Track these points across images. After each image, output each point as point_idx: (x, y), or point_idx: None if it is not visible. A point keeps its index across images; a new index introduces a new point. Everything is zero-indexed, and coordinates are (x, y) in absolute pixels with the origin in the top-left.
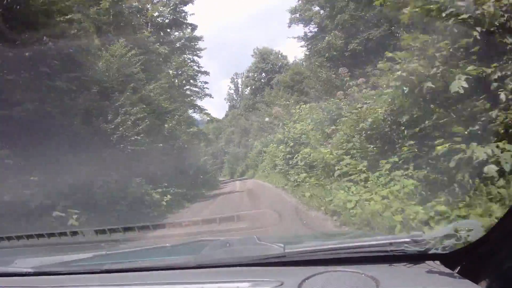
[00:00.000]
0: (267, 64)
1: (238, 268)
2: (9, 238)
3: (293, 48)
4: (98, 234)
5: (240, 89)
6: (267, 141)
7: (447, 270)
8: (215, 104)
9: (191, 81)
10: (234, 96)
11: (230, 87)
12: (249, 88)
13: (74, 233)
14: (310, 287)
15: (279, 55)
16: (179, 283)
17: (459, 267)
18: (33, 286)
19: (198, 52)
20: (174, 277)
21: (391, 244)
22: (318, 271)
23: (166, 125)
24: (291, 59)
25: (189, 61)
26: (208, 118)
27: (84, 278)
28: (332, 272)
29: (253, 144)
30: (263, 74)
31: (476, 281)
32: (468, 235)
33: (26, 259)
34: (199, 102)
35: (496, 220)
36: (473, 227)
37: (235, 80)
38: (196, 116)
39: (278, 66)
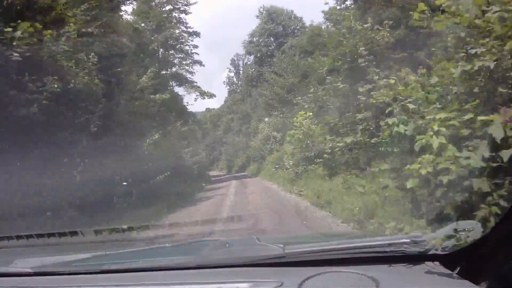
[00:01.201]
0: (277, 26)
1: (238, 268)
2: (9, 238)
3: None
4: (98, 234)
5: (241, 72)
6: (288, 117)
7: (447, 271)
8: (215, 98)
9: (178, 45)
10: (235, 79)
11: (230, 69)
12: (253, 56)
13: (74, 233)
14: None
15: (292, 16)
16: (179, 284)
17: (458, 268)
18: (33, 286)
19: (186, 7)
20: (174, 277)
21: (390, 244)
22: (318, 271)
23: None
24: (307, 22)
25: (174, 20)
26: (198, 94)
27: (84, 278)
28: (332, 273)
29: (258, 128)
30: (272, 38)
31: (475, 281)
32: (467, 236)
33: (26, 259)
34: (193, 86)
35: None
36: (473, 227)
37: (236, 62)
38: (183, 92)
39: (291, 28)
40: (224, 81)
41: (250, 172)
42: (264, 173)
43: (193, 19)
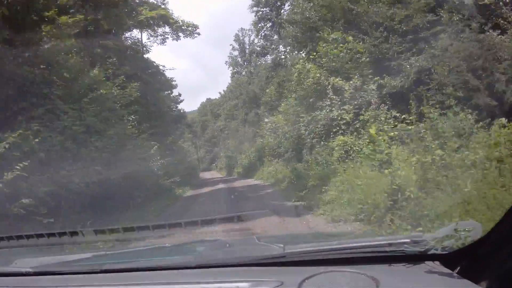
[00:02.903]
0: None
1: (238, 268)
2: (9, 238)
3: None
4: (98, 234)
5: (247, 50)
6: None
7: (447, 271)
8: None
9: None
10: (239, 59)
11: (233, 46)
12: None
13: (74, 233)
14: (310, 287)
15: None
16: (179, 283)
17: (458, 268)
18: (33, 286)
19: None
20: (174, 277)
21: (390, 244)
22: (318, 271)
23: None
24: None
25: None
26: (169, 29)
27: (84, 278)
28: (332, 273)
29: (293, 72)
30: None
31: (475, 281)
32: (467, 236)
33: (26, 259)
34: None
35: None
36: (473, 227)
37: (241, 38)
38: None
39: None
40: (226, 61)
41: (269, 180)
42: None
43: (198, 15)
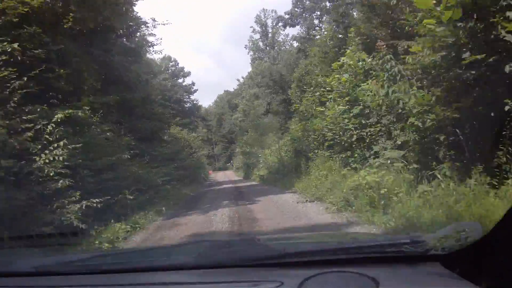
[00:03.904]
0: None
1: (238, 268)
2: (9, 238)
3: None
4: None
5: (269, 32)
6: None
7: (447, 272)
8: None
9: None
10: (261, 43)
11: (254, 29)
12: None
13: (74, 234)
14: None
15: None
16: (179, 284)
17: (459, 268)
18: (33, 286)
19: None
20: (174, 278)
21: (390, 245)
22: (318, 271)
23: None
24: None
25: None
26: None
27: (84, 278)
28: (332, 273)
29: None
30: None
31: (476, 282)
32: (468, 236)
33: (26, 259)
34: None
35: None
36: (473, 228)
37: (263, 20)
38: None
39: None
40: (245, 45)
41: (360, 213)
42: None
43: (217, 14)
